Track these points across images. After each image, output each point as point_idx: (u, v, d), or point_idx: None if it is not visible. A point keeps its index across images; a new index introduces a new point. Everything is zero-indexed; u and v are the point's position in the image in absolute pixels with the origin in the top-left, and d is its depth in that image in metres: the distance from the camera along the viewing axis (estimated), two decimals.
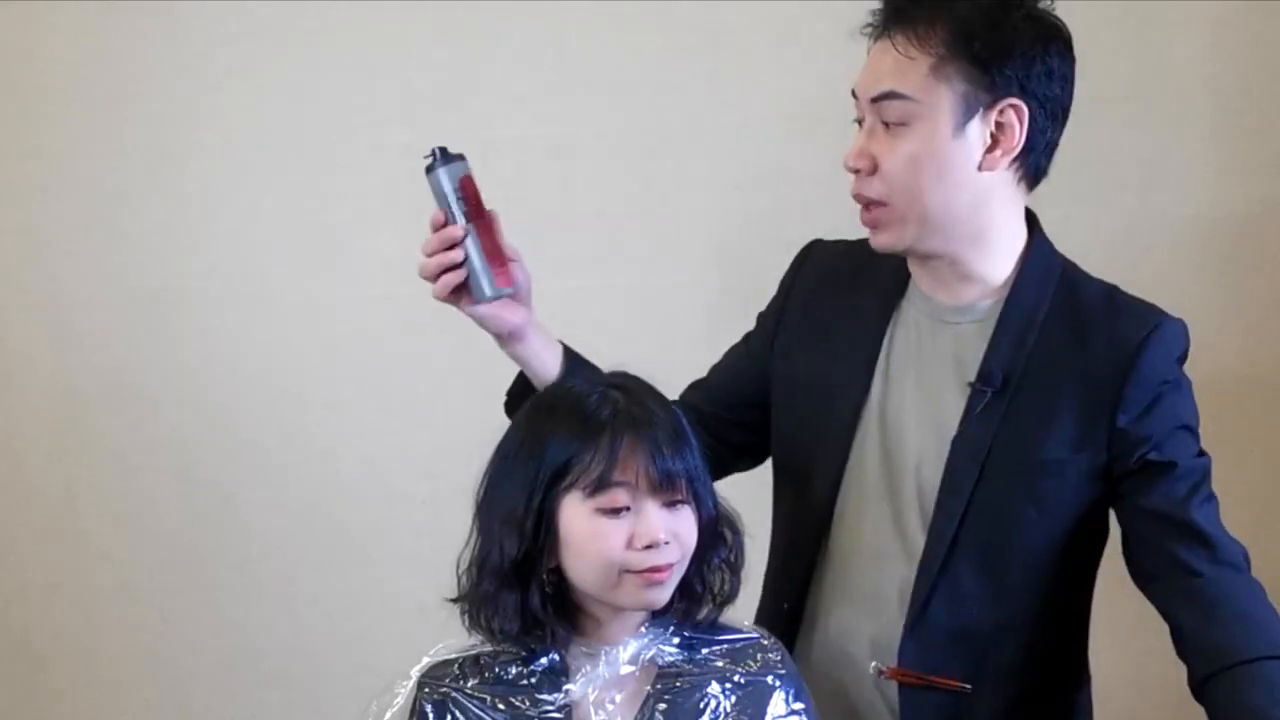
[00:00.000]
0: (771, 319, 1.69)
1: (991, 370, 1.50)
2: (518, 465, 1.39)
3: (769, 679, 1.39)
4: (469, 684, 1.40)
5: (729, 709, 1.37)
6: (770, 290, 1.72)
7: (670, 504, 1.37)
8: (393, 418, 2.48)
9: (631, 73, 2.39)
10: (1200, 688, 1.42)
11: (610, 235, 2.42)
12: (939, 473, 1.52)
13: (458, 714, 1.38)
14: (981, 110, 1.47)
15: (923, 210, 1.49)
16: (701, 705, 1.36)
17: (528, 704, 1.37)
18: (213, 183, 2.46)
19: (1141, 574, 1.52)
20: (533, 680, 1.39)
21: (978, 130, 1.47)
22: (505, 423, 1.48)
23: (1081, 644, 1.62)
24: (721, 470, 1.55)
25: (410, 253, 2.42)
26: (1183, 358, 1.53)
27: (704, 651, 1.40)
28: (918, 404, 1.55)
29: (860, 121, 1.52)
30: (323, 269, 2.47)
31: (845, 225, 2.40)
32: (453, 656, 1.43)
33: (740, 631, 1.44)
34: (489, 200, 1.59)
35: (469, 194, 1.55)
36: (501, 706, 1.37)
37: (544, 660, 1.40)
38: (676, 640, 1.41)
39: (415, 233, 2.41)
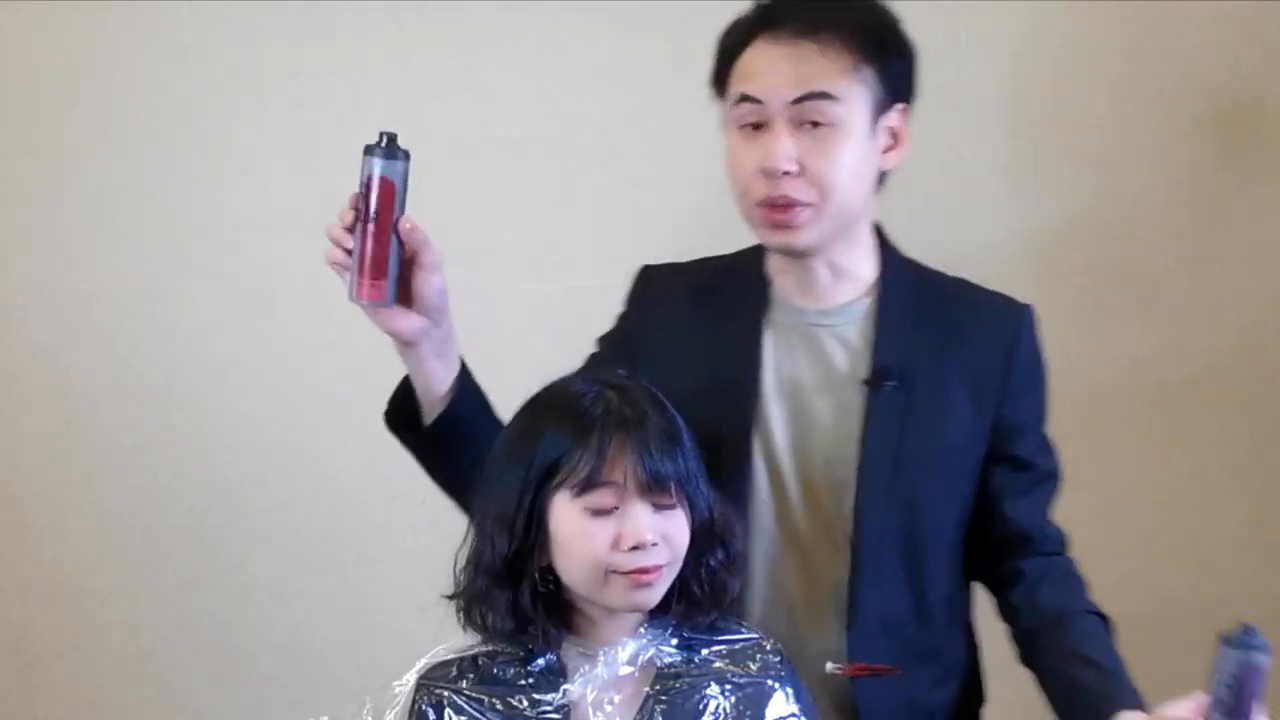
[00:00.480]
0: (622, 343, 1.69)
1: (887, 365, 1.55)
2: (511, 463, 1.39)
3: (768, 680, 1.39)
4: (467, 685, 1.39)
5: (728, 710, 1.36)
6: None
7: (660, 506, 1.37)
8: None
9: (632, 73, 2.39)
10: (1026, 642, 1.56)
11: (610, 235, 2.41)
12: (851, 470, 1.55)
13: (456, 715, 1.38)
14: (882, 111, 1.53)
15: (840, 209, 1.53)
16: (701, 706, 1.36)
17: (526, 704, 1.37)
18: (213, 182, 2.45)
19: (970, 549, 1.61)
20: (531, 681, 1.39)
21: (881, 131, 1.53)
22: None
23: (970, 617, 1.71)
24: None
25: None
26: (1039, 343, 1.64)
27: (703, 652, 1.40)
28: (814, 407, 1.58)
29: (756, 125, 1.52)
30: (323, 268, 2.46)
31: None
32: (451, 657, 1.43)
33: (739, 632, 1.43)
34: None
35: (375, 193, 1.48)
36: (500, 707, 1.37)
37: (542, 661, 1.40)
38: (675, 641, 1.40)
39: None
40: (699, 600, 1.41)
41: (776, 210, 1.52)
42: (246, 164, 2.44)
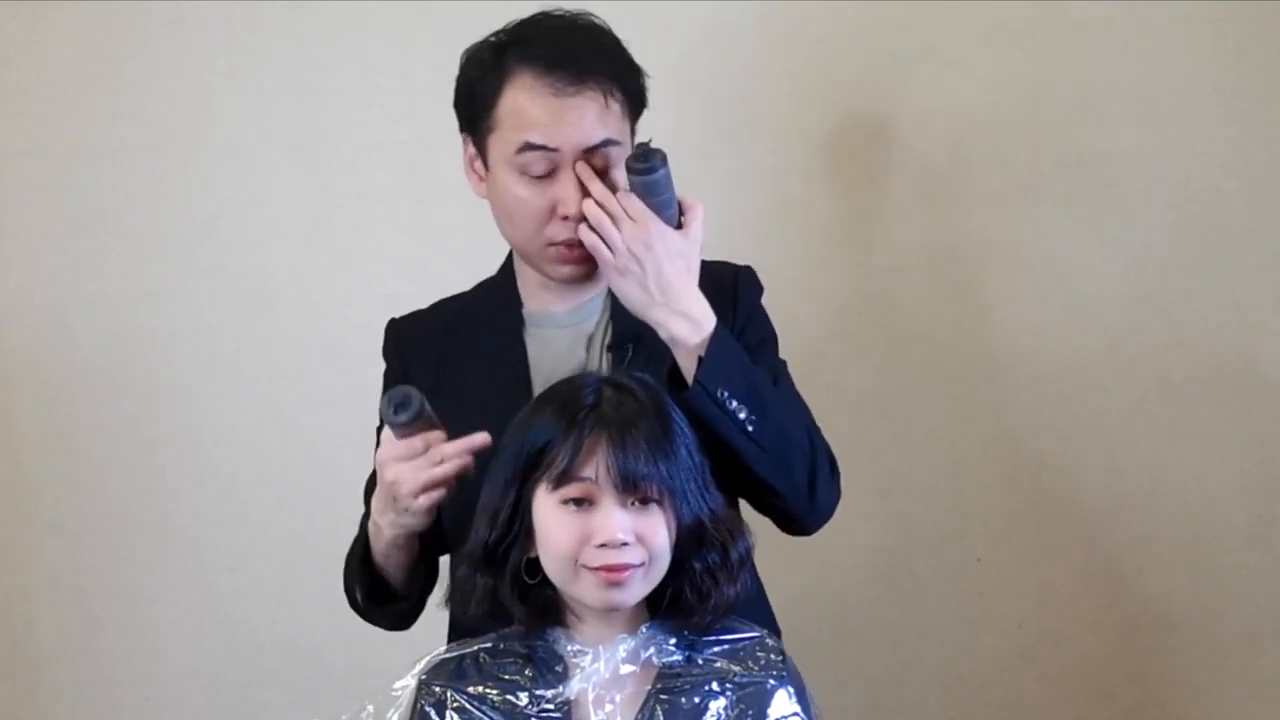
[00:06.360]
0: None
1: (624, 330, 1.64)
2: (506, 452, 1.41)
3: (770, 680, 1.39)
4: (468, 683, 1.39)
5: (730, 710, 1.36)
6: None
7: (636, 505, 1.36)
8: None
9: None
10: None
11: None
12: None
13: (457, 714, 1.38)
14: (633, 132, 1.65)
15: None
16: (702, 706, 1.36)
17: (526, 701, 1.37)
18: (213, 182, 2.45)
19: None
20: (532, 679, 1.39)
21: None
22: None
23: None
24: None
25: (411, 251, 2.44)
26: (760, 293, 1.73)
27: (705, 652, 1.40)
28: None
29: (550, 173, 1.58)
30: (324, 268, 2.47)
31: (847, 222, 2.42)
32: (451, 656, 1.43)
33: (742, 631, 1.43)
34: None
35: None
36: (500, 705, 1.37)
37: (543, 659, 1.40)
38: (676, 640, 1.40)
39: (417, 231, 2.43)
40: (687, 604, 1.39)
41: (574, 249, 1.61)
42: (247, 164, 2.44)
